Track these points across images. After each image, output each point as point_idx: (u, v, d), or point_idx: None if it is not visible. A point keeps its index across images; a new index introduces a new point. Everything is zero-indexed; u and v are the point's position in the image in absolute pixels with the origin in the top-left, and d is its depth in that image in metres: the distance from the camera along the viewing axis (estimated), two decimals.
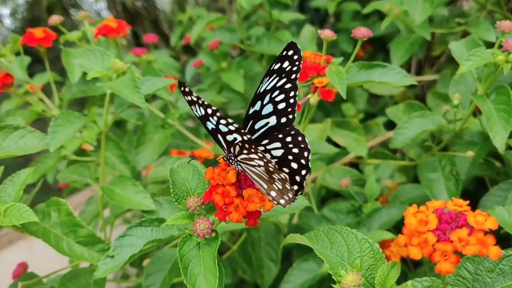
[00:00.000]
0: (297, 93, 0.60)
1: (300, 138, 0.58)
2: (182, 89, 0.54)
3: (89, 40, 1.07)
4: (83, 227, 0.72)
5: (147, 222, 0.66)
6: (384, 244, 0.93)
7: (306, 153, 0.58)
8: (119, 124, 1.52)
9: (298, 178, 0.58)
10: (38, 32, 0.99)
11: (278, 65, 0.59)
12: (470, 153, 0.89)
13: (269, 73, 0.60)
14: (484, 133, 0.93)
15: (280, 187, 0.54)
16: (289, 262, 1.10)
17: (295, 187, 0.58)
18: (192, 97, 0.54)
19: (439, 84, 1.31)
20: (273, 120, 0.60)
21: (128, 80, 0.73)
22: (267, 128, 0.60)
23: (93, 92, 0.99)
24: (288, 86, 0.59)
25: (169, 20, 3.02)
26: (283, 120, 0.60)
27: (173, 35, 1.90)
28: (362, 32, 0.77)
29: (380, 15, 1.64)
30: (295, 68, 0.59)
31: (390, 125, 1.28)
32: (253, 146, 0.53)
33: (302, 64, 0.81)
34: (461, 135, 0.98)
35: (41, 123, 1.10)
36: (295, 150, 0.58)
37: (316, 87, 0.79)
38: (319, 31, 0.78)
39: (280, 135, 0.59)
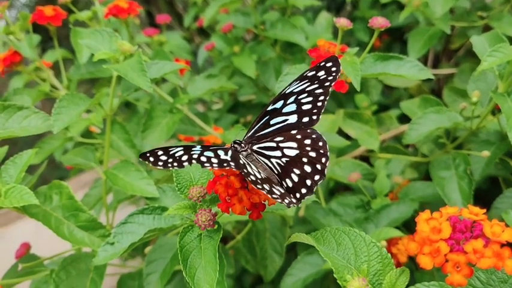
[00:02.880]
0: (327, 98, 0.58)
1: (320, 144, 0.56)
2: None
3: (100, 20, 1.05)
4: (84, 211, 0.71)
5: (149, 210, 0.64)
6: (391, 241, 0.91)
7: (323, 159, 0.55)
8: (128, 104, 1.50)
9: (309, 182, 0.55)
10: (48, 10, 0.97)
11: (313, 73, 0.59)
12: (486, 153, 0.86)
13: (300, 78, 0.59)
14: (502, 132, 0.90)
15: (283, 190, 0.52)
16: (293, 253, 1.09)
17: (304, 190, 0.55)
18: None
19: (456, 79, 1.28)
20: (293, 118, 0.59)
21: (135, 62, 0.71)
22: (284, 125, 0.59)
23: (102, 73, 0.97)
24: (319, 91, 0.58)
25: (184, 1, 2.98)
26: (306, 119, 0.58)
27: (187, 16, 1.87)
28: (379, 22, 0.74)
29: (399, 4, 1.60)
30: (330, 78, 0.58)
31: (404, 118, 1.25)
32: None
33: (316, 53, 0.79)
34: (477, 133, 0.95)
35: (52, 102, 1.09)
36: (313, 154, 0.56)
37: None
38: (334, 19, 0.76)
39: (299, 136, 0.57)
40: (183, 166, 0.51)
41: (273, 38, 1.34)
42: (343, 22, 0.74)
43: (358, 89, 0.72)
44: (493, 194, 1.14)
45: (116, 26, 1.36)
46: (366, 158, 1.22)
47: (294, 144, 0.57)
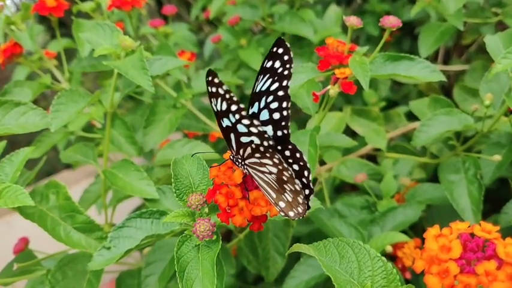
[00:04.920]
0: (289, 104, 0.53)
1: (298, 155, 0.52)
2: (210, 78, 0.48)
3: (103, 12, 1.02)
4: (81, 213, 0.69)
5: (147, 213, 0.62)
6: (397, 245, 0.89)
7: (306, 173, 0.52)
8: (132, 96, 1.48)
9: (300, 199, 0.52)
10: (50, 0, 0.94)
11: (270, 63, 0.53)
12: (497, 157, 0.83)
13: (262, 71, 0.53)
14: None
15: (290, 199, 0.50)
16: (296, 254, 1.07)
17: (301, 206, 0.52)
18: (220, 89, 0.48)
19: (467, 77, 1.24)
20: (269, 130, 0.54)
21: (136, 60, 0.69)
22: None
23: (104, 67, 0.94)
24: (281, 93, 0.53)
25: None
26: (279, 134, 0.54)
27: (194, 7, 1.84)
28: (391, 21, 0.71)
29: None
30: (286, 73, 0.52)
31: (412, 115, 1.23)
32: (271, 152, 0.48)
33: (324, 52, 0.76)
34: (488, 135, 0.92)
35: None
36: (296, 167, 0.52)
37: (337, 78, 0.74)
38: (344, 17, 0.73)
39: (279, 147, 0.53)
40: None
41: (280, 31, 1.32)
42: (353, 21, 0.71)
43: (367, 90, 0.70)
44: (502, 194, 1.11)
45: (121, 17, 1.33)
46: (373, 156, 1.19)
47: (270, 162, 0.51)
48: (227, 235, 1.34)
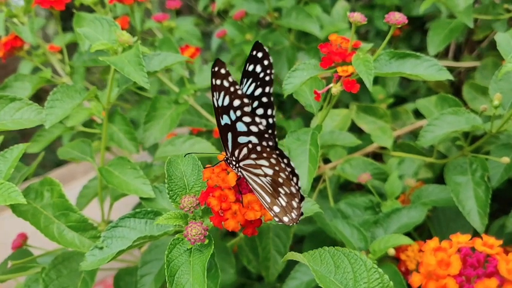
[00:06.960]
0: (274, 112, 0.52)
1: (285, 161, 0.50)
2: (216, 69, 0.46)
3: (106, 5, 1.00)
4: (75, 211, 0.67)
5: (142, 213, 0.61)
6: (400, 247, 0.87)
7: (295, 179, 0.50)
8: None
9: (294, 203, 0.50)
10: None
11: (251, 67, 0.51)
12: (506, 160, 0.81)
13: (245, 74, 0.52)
14: None
15: (284, 204, 0.48)
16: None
17: (295, 211, 0.50)
18: (225, 81, 0.46)
19: (477, 74, 1.21)
20: (254, 140, 0.51)
21: (132, 55, 0.67)
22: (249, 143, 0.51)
23: (104, 61, 0.93)
24: (265, 100, 0.52)
25: None
26: (270, 143, 0.51)
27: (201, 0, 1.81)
28: (396, 17, 0.68)
29: None
30: (267, 79, 0.51)
31: (420, 112, 1.20)
32: (268, 151, 0.47)
33: (327, 48, 0.74)
34: (497, 136, 0.89)
35: None
36: (284, 174, 0.50)
37: (340, 76, 0.71)
38: (348, 13, 0.70)
39: (265, 154, 0.50)
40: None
41: (286, 26, 1.29)
42: (356, 17, 0.68)
43: (370, 89, 0.68)
44: (510, 194, 1.08)
45: (126, 11, 1.32)
46: (378, 155, 1.17)
47: (266, 163, 0.50)
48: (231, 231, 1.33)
